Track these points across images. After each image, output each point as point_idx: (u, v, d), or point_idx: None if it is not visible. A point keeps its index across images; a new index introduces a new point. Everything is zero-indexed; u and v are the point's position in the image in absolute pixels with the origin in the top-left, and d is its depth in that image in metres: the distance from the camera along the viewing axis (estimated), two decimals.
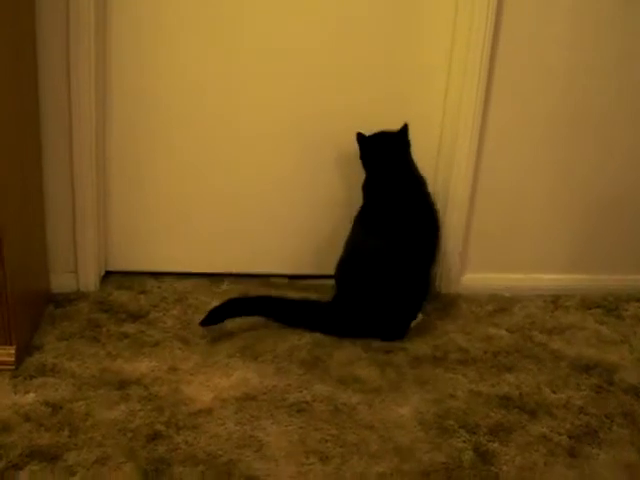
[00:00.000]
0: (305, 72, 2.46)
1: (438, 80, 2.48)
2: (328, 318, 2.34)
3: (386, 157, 2.38)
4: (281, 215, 2.61)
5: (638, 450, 1.90)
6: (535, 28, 2.42)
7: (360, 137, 2.39)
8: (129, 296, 2.47)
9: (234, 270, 2.63)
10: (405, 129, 2.38)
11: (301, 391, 2.04)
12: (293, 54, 2.43)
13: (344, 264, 2.39)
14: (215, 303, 2.44)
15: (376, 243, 2.30)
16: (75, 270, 2.44)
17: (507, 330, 2.45)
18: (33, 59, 2.18)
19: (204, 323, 2.25)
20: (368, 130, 2.37)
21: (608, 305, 2.67)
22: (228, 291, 2.55)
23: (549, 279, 2.73)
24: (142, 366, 2.09)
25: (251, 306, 2.34)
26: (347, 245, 2.39)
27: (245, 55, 2.41)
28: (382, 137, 2.39)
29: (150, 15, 2.33)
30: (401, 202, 2.34)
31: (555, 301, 2.67)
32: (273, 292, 2.55)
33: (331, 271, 2.45)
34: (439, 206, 2.54)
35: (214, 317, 2.26)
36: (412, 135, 2.44)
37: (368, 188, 2.41)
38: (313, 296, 2.54)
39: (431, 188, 2.48)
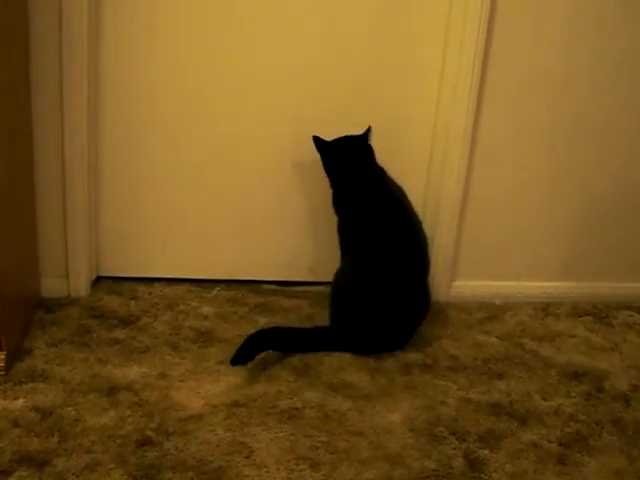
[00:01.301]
0: (297, 74, 2.46)
1: (430, 83, 2.48)
2: (338, 342, 2.29)
3: (353, 165, 2.35)
4: (273, 221, 2.61)
5: (627, 457, 1.91)
6: (530, 29, 2.42)
7: (319, 142, 2.35)
8: (120, 302, 2.46)
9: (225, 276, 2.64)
10: (368, 132, 2.36)
11: (291, 397, 2.03)
12: (284, 56, 2.44)
13: (337, 289, 2.36)
14: (206, 309, 2.45)
15: (361, 262, 2.29)
16: (66, 275, 2.44)
17: (497, 337, 2.45)
18: (25, 60, 2.17)
19: (235, 362, 2.09)
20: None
21: (598, 313, 2.68)
22: (219, 297, 2.55)
23: (539, 286, 2.73)
24: (132, 372, 2.09)
25: (273, 339, 2.21)
26: (338, 270, 2.37)
27: (240, 58, 2.41)
28: (345, 142, 2.36)
29: (144, 16, 2.34)
30: (378, 215, 2.31)
31: (545, 308, 2.68)
32: (263, 299, 2.55)
33: (323, 278, 2.45)
34: (430, 212, 2.55)
35: (244, 355, 2.11)
36: (403, 140, 2.45)
37: (339, 205, 2.38)
38: (305, 303, 2.54)
39: (422, 194, 2.49)
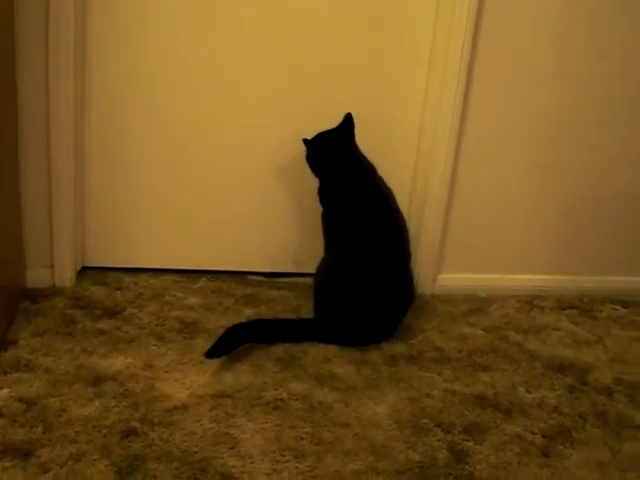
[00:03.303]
0: (285, 72, 2.47)
1: (417, 81, 2.49)
2: (323, 334, 2.29)
3: (331, 158, 2.36)
4: (260, 213, 2.61)
5: (610, 449, 1.92)
6: (518, 25, 2.43)
7: (305, 142, 2.38)
8: (105, 292, 2.46)
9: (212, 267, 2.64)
10: (347, 121, 2.35)
11: (277, 389, 2.03)
12: (273, 53, 2.44)
13: (320, 280, 2.37)
14: (192, 300, 2.45)
15: (344, 253, 2.30)
16: (51, 265, 2.43)
17: (483, 330, 2.46)
18: (11, 48, 2.15)
19: (210, 355, 2.08)
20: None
21: (583, 306, 2.70)
22: (204, 288, 2.54)
23: (525, 280, 2.75)
24: (117, 362, 2.08)
25: (253, 332, 2.21)
26: (321, 262, 2.38)
27: (230, 55, 2.42)
28: (323, 138, 2.37)
29: (134, 6, 2.33)
30: (361, 208, 2.31)
31: (531, 302, 2.69)
32: (249, 291, 2.55)
33: (309, 270, 2.45)
34: (417, 206, 2.55)
35: (221, 349, 2.10)
36: (390, 134, 2.45)
37: (323, 195, 2.40)
38: (291, 295, 2.55)
39: (409, 187, 2.49)
